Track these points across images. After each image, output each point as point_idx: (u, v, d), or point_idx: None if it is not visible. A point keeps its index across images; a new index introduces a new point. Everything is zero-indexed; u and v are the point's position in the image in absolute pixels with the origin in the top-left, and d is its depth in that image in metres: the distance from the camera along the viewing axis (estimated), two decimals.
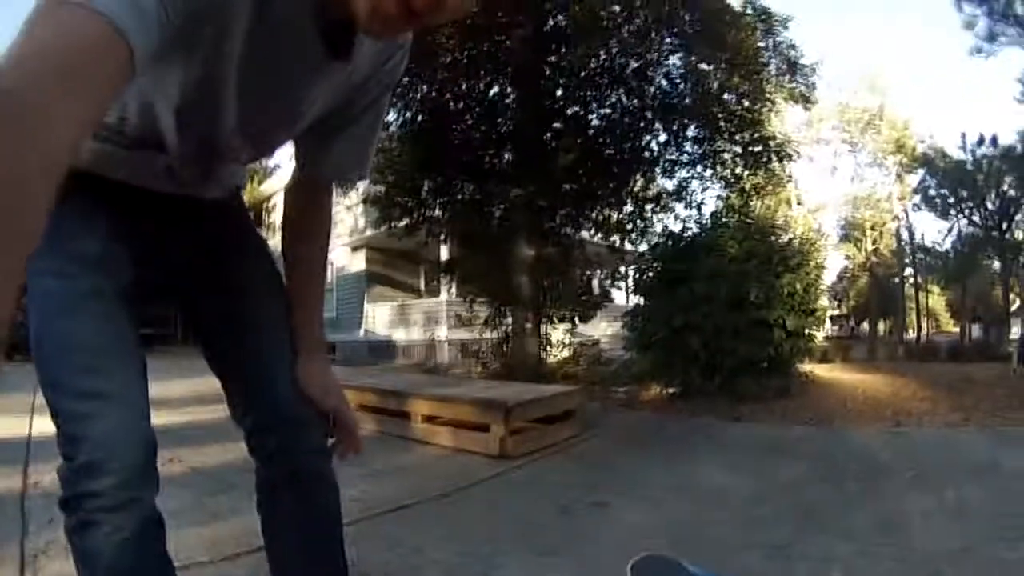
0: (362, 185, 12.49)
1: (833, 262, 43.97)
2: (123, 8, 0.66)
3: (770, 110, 10.21)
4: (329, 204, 1.37)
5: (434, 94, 9.80)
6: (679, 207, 11.00)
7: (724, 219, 8.80)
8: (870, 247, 39.21)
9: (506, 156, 10.49)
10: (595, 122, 10.52)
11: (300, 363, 1.31)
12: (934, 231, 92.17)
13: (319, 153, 1.25)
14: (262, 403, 1.29)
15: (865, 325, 47.34)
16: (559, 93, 10.35)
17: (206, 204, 1.29)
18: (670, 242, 8.41)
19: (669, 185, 11.20)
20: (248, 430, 1.32)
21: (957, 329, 38.11)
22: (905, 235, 36.05)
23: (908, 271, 36.76)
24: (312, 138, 1.23)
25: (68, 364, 1.08)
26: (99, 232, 1.14)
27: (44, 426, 4.76)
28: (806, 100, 10.64)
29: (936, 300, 48.56)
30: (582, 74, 9.38)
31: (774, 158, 10.19)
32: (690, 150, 10.73)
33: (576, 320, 11.16)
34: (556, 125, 10.39)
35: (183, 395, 6.69)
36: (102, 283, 1.11)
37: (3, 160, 0.53)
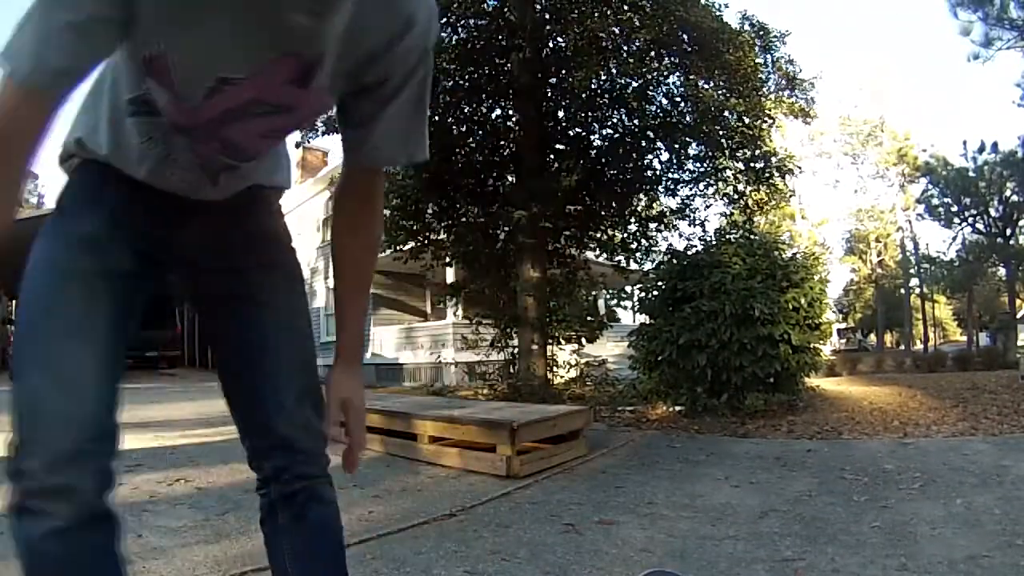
0: None
1: (838, 275, 44.08)
2: (34, 62, 0.91)
3: (770, 126, 10.28)
4: (377, 198, 1.34)
5: (436, 118, 9.90)
6: (683, 225, 11.08)
7: (728, 236, 8.80)
8: (875, 259, 39.29)
9: (509, 178, 10.57)
10: (597, 143, 10.62)
11: (332, 371, 1.34)
12: (938, 240, 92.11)
13: (360, 139, 1.22)
14: (259, 427, 1.31)
15: (872, 337, 47.23)
16: (561, 115, 10.44)
17: (223, 207, 1.29)
18: (674, 260, 8.42)
19: (672, 203, 11.31)
20: (248, 451, 1.34)
21: (964, 338, 37.88)
22: (909, 245, 36.05)
23: (914, 281, 36.70)
24: (350, 126, 1.21)
25: (31, 339, 1.11)
26: (101, 215, 1.18)
27: None
28: (806, 114, 10.72)
29: (942, 309, 48.38)
30: (583, 96, 9.46)
31: (776, 174, 10.26)
32: (692, 168, 10.84)
33: (582, 340, 11.17)
34: (559, 146, 10.48)
35: (189, 416, 6.75)
36: (87, 262, 1.14)
37: None
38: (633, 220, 11.22)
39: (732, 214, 11.06)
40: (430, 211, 10.71)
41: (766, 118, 9.92)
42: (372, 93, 1.14)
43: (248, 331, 1.32)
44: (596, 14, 8.67)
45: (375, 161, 1.28)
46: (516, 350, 10.31)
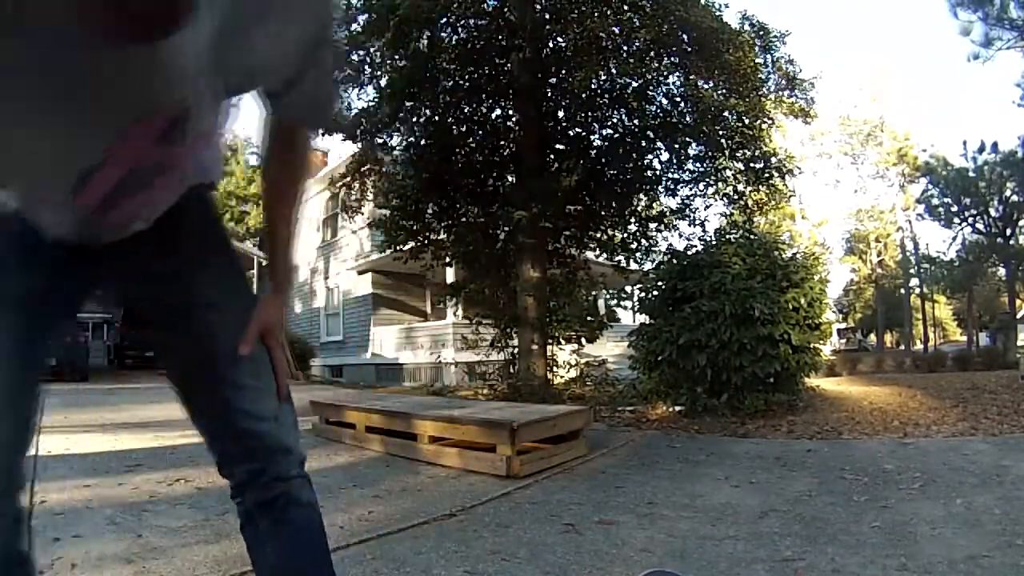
0: (367, 209, 12.59)
1: (838, 275, 44.11)
2: None
3: (770, 126, 10.28)
4: (300, 149, 1.29)
5: (436, 118, 9.92)
6: (683, 225, 11.09)
7: (728, 236, 8.80)
8: (875, 259, 39.29)
9: (509, 178, 10.57)
10: (597, 143, 10.64)
11: (262, 298, 1.33)
12: (938, 240, 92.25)
13: (271, 110, 1.16)
14: (230, 432, 1.29)
15: (872, 337, 47.24)
16: (561, 115, 10.45)
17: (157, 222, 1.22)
18: (674, 260, 8.42)
19: (672, 203, 11.33)
20: (217, 457, 1.32)
21: (964, 338, 37.89)
22: (909, 245, 36.05)
23: (914, 281, 36.72)
24: (265, 104, 1.15)
25: None
26: (8, 240, 1.14)
27: (50, 444, 4.79)
28: (806, 114, 10.71)
29: (942, 309, 48.38)
30: (583, 96, 9.46)
31: (776, 174, 10.26)
32: (692, 168, 10.85)
33: (582, 340, 11.18)
34: (559, 146, 10.49)
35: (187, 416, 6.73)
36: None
37: None
38: (633, 220, 11.23)
39: (732, 214, 11.06)
40: (430, 211, 10.72)
41: (766, 118, 9.92)
42: (267, 94, 1.09)
43: (206, 336, 1.28)
44: (596, 14, 8.67)
45: (289, 120, 1.23)
46: (516, 350, 10.32)
